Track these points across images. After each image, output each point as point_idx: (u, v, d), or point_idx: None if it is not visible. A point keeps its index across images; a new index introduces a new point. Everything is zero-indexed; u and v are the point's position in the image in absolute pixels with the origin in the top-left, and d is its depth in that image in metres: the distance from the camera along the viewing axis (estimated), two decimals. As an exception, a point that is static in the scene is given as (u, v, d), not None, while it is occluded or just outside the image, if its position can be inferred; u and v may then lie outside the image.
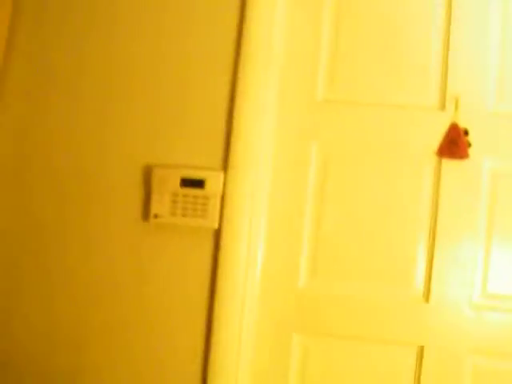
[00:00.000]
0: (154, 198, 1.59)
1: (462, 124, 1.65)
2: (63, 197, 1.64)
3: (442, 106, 1.68)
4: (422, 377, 1.66)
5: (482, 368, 1.67)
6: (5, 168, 1.66)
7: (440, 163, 1.67)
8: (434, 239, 1.68)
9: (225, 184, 1.62)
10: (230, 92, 1.62)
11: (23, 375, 1.61)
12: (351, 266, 1.69)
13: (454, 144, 1.64)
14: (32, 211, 1.65)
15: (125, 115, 1.64)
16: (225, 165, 1.62)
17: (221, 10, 1.63)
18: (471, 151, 1.65)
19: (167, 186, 1.60)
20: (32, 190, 1.65)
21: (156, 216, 1.60)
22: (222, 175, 1.61)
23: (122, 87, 1.65)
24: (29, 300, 1.64)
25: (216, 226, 1.59)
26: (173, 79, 1.63)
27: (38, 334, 1.62)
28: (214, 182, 1.60)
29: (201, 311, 1.60)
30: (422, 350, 1.66)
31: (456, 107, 1.66)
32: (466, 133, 1.64)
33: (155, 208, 1.59)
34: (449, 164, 1.66)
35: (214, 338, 1.60)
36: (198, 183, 1.59)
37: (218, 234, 1.61)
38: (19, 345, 1.63)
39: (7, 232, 1.65)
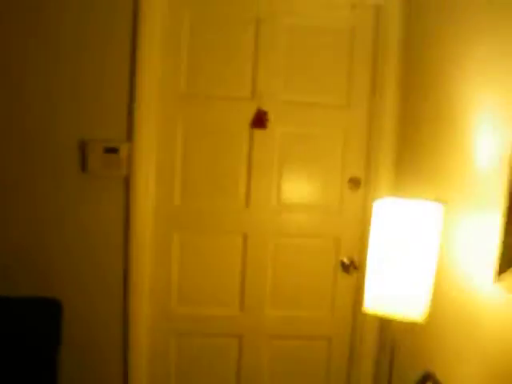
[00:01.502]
0: (89, 158, 2.67)
1: (264, 107, 2.87)
2: (31, 160, 2.67)
3: (253, 97, 2.84)
4: (247, 252, 2.93)
5: (279, 244, 2.94)
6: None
7: (252, 131, 2.86)
8: (250, 172, 2.88)
9: (130, 150, 2.70)
10: (130, 95, 2.68)
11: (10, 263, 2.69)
12: (202, 189, 2.86)
13: (259, 120, 2.87)
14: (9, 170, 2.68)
15: (70, 108, 2.66)
16: (129, 138, 2.69)
17: (115, 37, 2.66)
18: (269, 124, 2.88)
19: (96, 152, 2.67)
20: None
21: (90, 169, 2.70)
22: (128, 145, 2.68)
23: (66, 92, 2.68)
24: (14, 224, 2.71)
25: (125, 174, 2.71)
26: (96, 87, 2.67)
27: (24, 239, 2.72)
28: (123, 149, 2.67)
29: (119, 224, 2.74)
30: (246, 235, 2.92)
31: (260, 97, 2.85)
32: (266, 113, 2.87)
33: (90, 165, 2.68)
34: (257, 131, 2.86)
35: (131, 236, 2.78)
36: (114, 150, 2.67)
37: (127, 179, 2.71)
38: (12, 246, 2.70)
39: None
